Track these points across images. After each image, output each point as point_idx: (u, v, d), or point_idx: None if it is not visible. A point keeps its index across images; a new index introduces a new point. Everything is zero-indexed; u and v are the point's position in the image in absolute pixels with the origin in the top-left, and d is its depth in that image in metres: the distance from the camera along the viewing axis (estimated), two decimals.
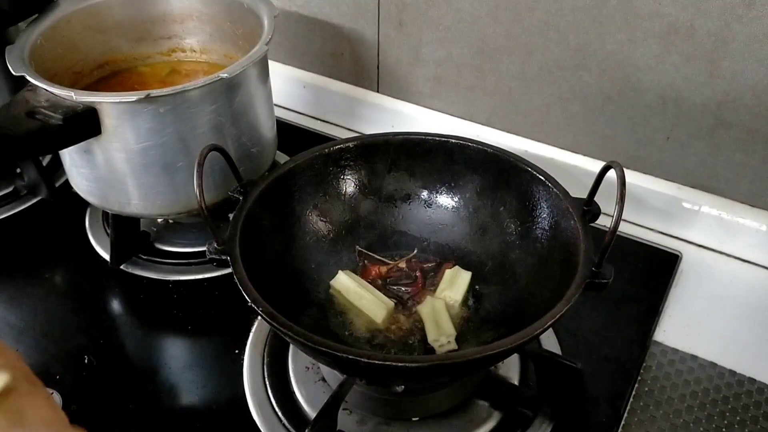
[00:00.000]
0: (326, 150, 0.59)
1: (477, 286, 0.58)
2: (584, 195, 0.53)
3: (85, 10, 0.69)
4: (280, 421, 0.54)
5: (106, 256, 0.68)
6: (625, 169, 0.47)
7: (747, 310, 0.64)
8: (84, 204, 0.69)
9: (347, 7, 0.79)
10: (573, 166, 0.73)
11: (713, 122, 0.64)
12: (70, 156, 0.62)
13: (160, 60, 0.75)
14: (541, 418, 0.53)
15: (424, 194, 0.62)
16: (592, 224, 0.52)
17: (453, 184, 0.61)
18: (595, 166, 0.54)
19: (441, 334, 0.54)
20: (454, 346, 0.54)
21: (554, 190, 0.54)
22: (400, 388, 0.50)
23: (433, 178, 0.62)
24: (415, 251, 0.61)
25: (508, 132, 0.76)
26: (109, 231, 0.70)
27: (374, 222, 0.62)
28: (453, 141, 0.60)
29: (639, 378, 0.57)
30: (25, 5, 0.66)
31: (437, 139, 0.60)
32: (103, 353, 0.60)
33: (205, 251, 0.50)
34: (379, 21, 0.77)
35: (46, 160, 0.79)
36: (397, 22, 0.76)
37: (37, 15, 0.66)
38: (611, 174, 0.48)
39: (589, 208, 0.52)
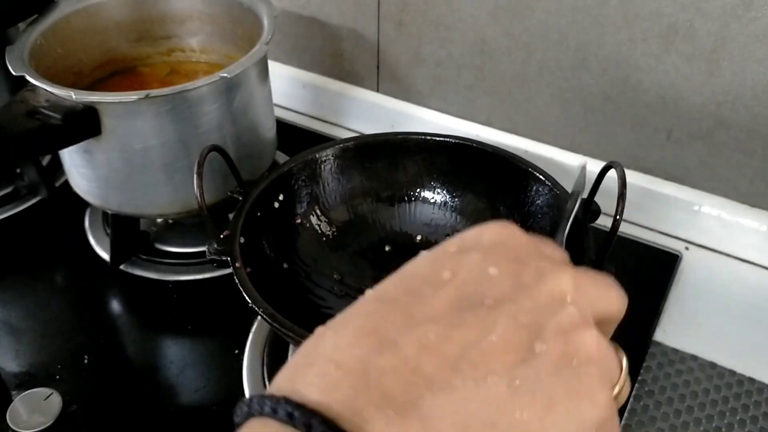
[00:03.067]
0: (326, 150, 0.59)
1: None
2: (584, 195, 0.53)
3: (85, 10, 0.69)
4: None
5: (106, 256, 0.68)
6: (625, 169, 0.47)
7: (747, 310, 0.63)
8: (84, 204, 0.69)
9: (347, 7, 0.79)
10: (573, 166, 0.73)
11: (713, 122, 0.64)
12: (69, 156, 0.62)
13: (160, 60, 0.75)
14: None
15: (424, 194, 0.62)
16: (592, 224, 0.52)
17: (453, 184, 0.61)
18: (596, 166, 0.54)
19: None
20: None
21: (554, 190, 0.54)
22: None
23: (433, 178, 0.62)
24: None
25: (508, 132, 0.76)
26: (108, 231, 0.70)
27: (374, 222, 0.62)
28: (453, 141, 0.60)
29: (639, 378, 0.57)
30: (25, 5, 0.66)
31: (437, 139, 0.60)
32: (103, 353, 0.60)
33: (205, 251, 0.50)
34: (379, 21, 0.77)
35: (46, 160, 0.79)
36: (397, 22, 0.76)
37: (37, 15, 0.66)
38: (611, 174, 0.48)
39: (589, 207, 0.52)
